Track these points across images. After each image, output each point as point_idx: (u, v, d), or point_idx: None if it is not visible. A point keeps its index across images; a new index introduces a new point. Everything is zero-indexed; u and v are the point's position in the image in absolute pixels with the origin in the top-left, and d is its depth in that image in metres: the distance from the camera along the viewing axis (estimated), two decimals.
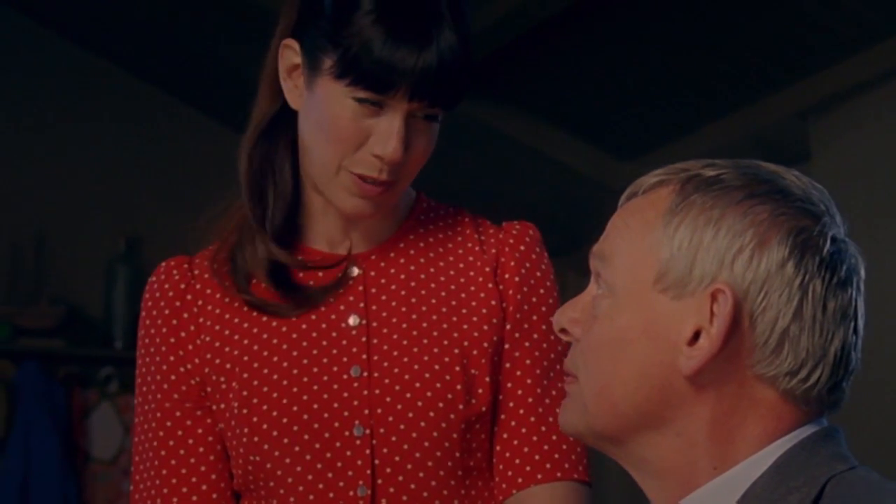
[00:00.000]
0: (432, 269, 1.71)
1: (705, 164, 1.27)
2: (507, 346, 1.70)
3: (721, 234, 1.21)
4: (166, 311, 1.71)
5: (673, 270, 1.22)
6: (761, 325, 1.20)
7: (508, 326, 1.70)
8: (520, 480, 1.67)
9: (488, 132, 4.61)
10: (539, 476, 1.67)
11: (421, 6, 1.59)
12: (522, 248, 1.73)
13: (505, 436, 1.69)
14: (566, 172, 4.73)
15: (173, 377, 1.69)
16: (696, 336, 1.21)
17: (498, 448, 1.69)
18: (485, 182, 4.99)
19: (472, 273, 1.71)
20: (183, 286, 1.72)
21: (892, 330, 3.58)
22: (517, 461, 1.68)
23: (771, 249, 1.20)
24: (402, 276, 1.70)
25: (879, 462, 3.61)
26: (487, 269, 1.71)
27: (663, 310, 1.22)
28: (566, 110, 4.57)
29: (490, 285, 1.70)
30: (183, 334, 1.70)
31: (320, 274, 1.70)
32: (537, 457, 1.68)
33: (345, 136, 1.60)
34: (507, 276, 1.71)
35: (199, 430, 1.68)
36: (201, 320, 1.70)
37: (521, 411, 1.69)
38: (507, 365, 1.70)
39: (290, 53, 1.65)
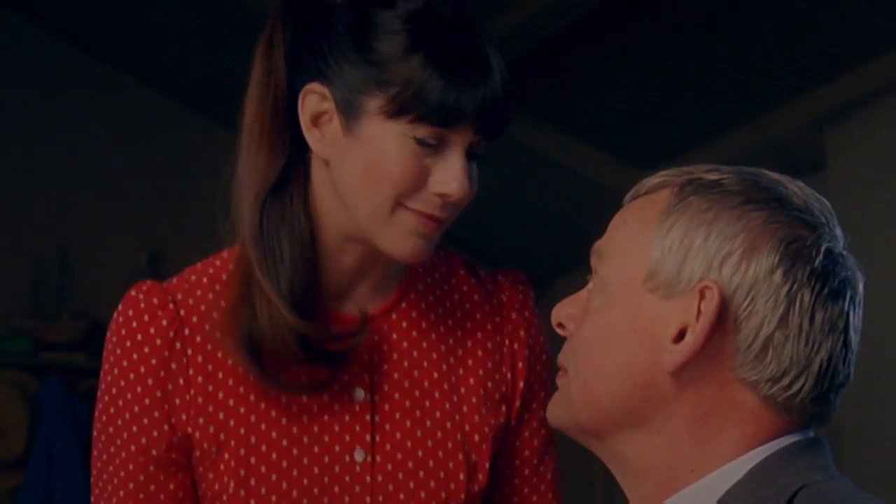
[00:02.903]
0: (434, 336, 1.64)
1: (709, 169, 1.27)
2: (513, 422, 1.67)
3: (712, 237, 1.21)
4: (153, 361, 1.58)
5: (662, 271, 1.22)
6: (745, 329, 1.20)
7: (518, 403, 1.67)
8: None
9: (506, 143, 4.61)
10: None
11: (466, 33, 1.51)
12: (527, 313, 1.67)
13: None
14: (585, 182, 4.74)
15: (155, 433, 1.58)
16: (682, 335, 1.21)
17: None
18: (503, 193, 5.01)
19: (469, 343, 1.65)
20: (171, 333, 1.58)
21: None
22: None
23: (761, 256, 1.20)
24: (405, 344, 1.62)
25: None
26: (488, 340, 1.66)
27: (651, 308, 1.23)
28: (583, 120, 4.58)
29: (490, 360, 1.65)
30: (170, 387, 1.57)
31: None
32: None
33: (405, 176, 1.50)
34: (515, 346, 1.66)
35: (171, 486, 1.59)
36: (190, 372, 1.57)
37: (525, 490, 1.69)
38: (516, 442, 1.68)
39: (315, 99, 1.53)
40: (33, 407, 5.08)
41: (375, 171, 1.50)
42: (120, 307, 1.61)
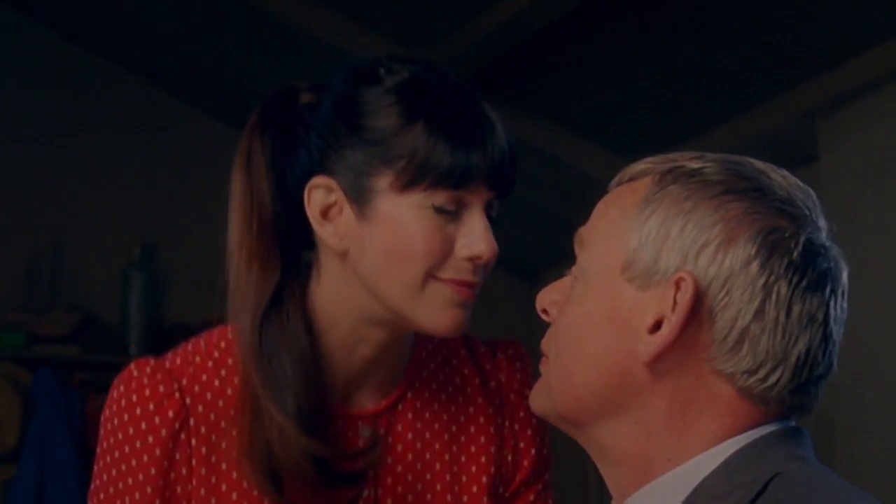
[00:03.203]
0: (437, 425, 1.62)
1: (692, 157, 1.25)
2: (507, 494, 1.65)
3: (689, 228, 1.20)
4: (156, 451, 1.53)
5: (640, 260, 1.21)
6: (721, 321, 1.18)
7: (518, 479, 1.66)
8: None
9: None
10: None
11: (458, 94, 1.50)
12: (527, 391, 1.63)
13: None
14: (577, 175, 4.74)
15: None
16: (658, 326, 1.20)
17: None
18: None
19: (472, 429, 1.63)
20: (177, 425, 1.54)
21: None
22: None
23: (737, 247, 1.18)
24: (410, 436, 1.60)
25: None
26: (490, 425, 1.64)
27: (628, 298, 1.22)
28: (576, 113, 4.58)
29: (493, 445, 1.63)
30: (172, 475, 1.54)
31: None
32: None
33: (430, 249, 1.47)
34: (516, 427, 1.65)
35: None
36: (193, 463, 1.54)
37: None
38: None
39: (321, 193, 1.50)
40: (26, 400, 5.07)
41: (399, 250, 1.48)
42: (122, 387, 1.56)
